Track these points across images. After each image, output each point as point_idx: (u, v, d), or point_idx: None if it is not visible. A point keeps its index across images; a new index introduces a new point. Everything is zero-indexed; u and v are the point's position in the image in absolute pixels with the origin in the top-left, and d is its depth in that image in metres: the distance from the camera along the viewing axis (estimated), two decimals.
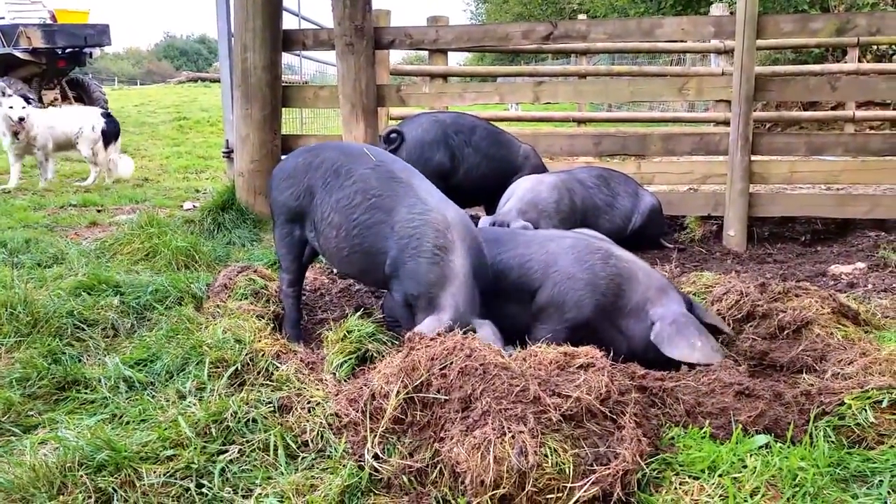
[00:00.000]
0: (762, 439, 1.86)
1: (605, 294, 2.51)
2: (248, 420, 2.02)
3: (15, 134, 6.57)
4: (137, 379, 2.35)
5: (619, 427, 1.79)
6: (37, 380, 2.36)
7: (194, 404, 2.08)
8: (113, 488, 1.73)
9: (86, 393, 2.31)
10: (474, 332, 2.24)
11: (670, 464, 1.80)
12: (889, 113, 8.70)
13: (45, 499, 1.70)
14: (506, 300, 2.63)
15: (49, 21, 12.13)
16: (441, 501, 1.73)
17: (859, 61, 8.58)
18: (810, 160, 4.74)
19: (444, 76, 7.38)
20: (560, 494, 1.63)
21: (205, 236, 4.35)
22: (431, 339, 2.04)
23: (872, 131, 8.47)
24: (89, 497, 1.70)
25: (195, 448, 1.88)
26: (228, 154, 5.24)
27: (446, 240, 2.41)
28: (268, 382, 2.24)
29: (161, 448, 1.87)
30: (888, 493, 1.68)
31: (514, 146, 4.31)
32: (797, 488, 1.68)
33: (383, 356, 2.36)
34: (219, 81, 5.67)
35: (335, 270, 3.74)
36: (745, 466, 1.74)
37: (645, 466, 1.74)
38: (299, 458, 1.92)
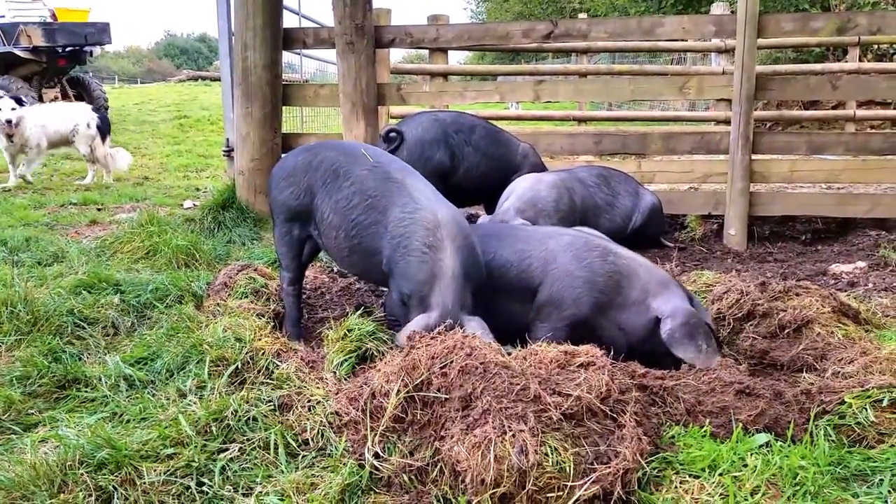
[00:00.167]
0: (762, 438, 1.86)
1: (603, 291, 2.52)
2: (249, 418, 2.02)
3: (8, 136, 6.46)
4: (138, 377, 2.35)
5: (619, 426, 1.79)
6: (37, 378, 2.36)
7: (195, 403, 2.08)
8: (113, 486, 1.73)
9: (86, 391, 2.31)
10: (462, 328, 2.25)
11: (671, 462, 1.80)
12: (890, 112, 8.70)
13: (45, 497, 1.70)
14: (506, 298, 2.63)
15: (49, 19, 12.13)
16: (441, 500, 1.73)
17: (860, 60, 8.57)
18: (811, 159, 4.73)
19: (445, 75, 7.38)
20: (560, 493, 1.63)
21: (205, 235, 4.35)
22: (432, 338, 2.04)
23: (873, 130, 8.47)
24: (90, 495, 1.70)
25: (196, 446, 1.88)
26: (229, 153, 5.24)
27: (435, 238, 2.40)
28: (268, 381, 2.24)
29: (161, 446, 1.87)
30: (888, 491, 1.68)
31: (513, 145, 4.31)
32: (797, 487, 1.68)
33: (384, 355, 2.36)
34: (219, 80, 5.67)
35: (336, 269, 3.74)
36: (745, 465, 1.74)
37: (645, 465, 1.74)
38: (300, 457, 1.93)
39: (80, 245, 4.13)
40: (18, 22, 11.64)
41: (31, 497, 1.71)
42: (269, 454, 1.92)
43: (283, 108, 5.12)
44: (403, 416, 1.89)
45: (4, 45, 11.31)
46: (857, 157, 4.67)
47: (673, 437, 1.91)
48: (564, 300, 2.54)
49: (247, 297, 3.02)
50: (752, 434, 1.90)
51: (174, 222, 4.32)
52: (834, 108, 9.03)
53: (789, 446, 1.83)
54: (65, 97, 12.25)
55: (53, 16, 12.22)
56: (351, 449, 1.91)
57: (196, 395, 2.17)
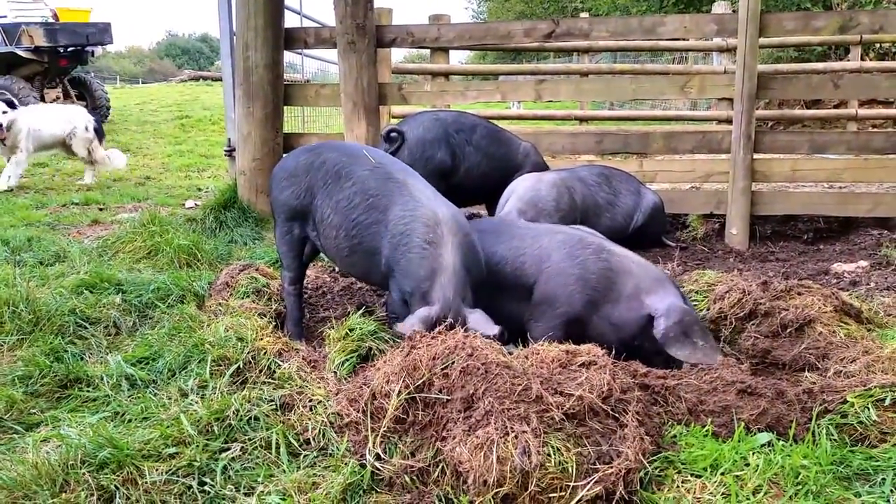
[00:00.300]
0: (764, 437, 1.86)
1: (595, 288, 2.52)
2: (250, 418, 2.02)
3: (1, 140, 6.38)
4: (139, 377, 2.35)
5: (621, 425, 1.79)
6: (39, 378, 2.37)
7: (196, 402, 2.09)
8: (115, 486, 1.73)
9: (88, 391, 2.32)
10: (465, 320, 2.25)
11: (673, 462, 1.80)
12: (892, 111, 8.68)
13: (47, 496, 1.70)
14: (502, 294, 2.63)
15: (51, 19, 12.13)
16: (443, 500, 1.73)
17: (862, 59, 8.56)
18: (813, 158, 4.73)
19: (446, 74, 7.37)
20: (563, 493, 1.63)
21: (207, 235, 4.36)
22: (433, 338, 2.04)
23: (875, 129, 8.45)
24: (91, 495, 1.71)
25: (197, 446, 1.88)
26: (230, 152, 5.24)
27: (435, 234, 2.41)
28: (270, 380, 2.24)
29: (163, 446, 1.87)
30: (891, 490, 1.68)
31: (514, 144, 4.30)
32: (799, 486, 1.67)
33: (385, 354, 2.36)
34: (220, 80, 5.67)
35: (337, 269, 3.74)
36: (747, 464, 1.74)
37: (647, 465, 1.74)
38: (301, 457, 1.93)
39: (81, 245, 4.14)
40: (20, 22, 11.64)
41: (33, 496, 1.71)
42: (270, 454, 1.92)
43: (285, 107, 5.12)
44: (405, 416, 1.89)
45: (6, 45, 11.31)
46: (859, 157, 4.66)
47: (675, 436, 1.91)
48: (558, 298, 2.54)
49: (248, 296, 3.02)
50: (754, 433, 1.89)
51: (176, 222, 4.32)
52: (836, 107, 9.02)
53: (791, 445, 1.83)
54: (66, 97, 12.25)
55: (55, 16, 12.22)
56: (352, 449, 1.91)
57: (198, 394, 2.17)
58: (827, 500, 1.65)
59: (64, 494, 1.71)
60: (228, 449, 1.91)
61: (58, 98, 12.11)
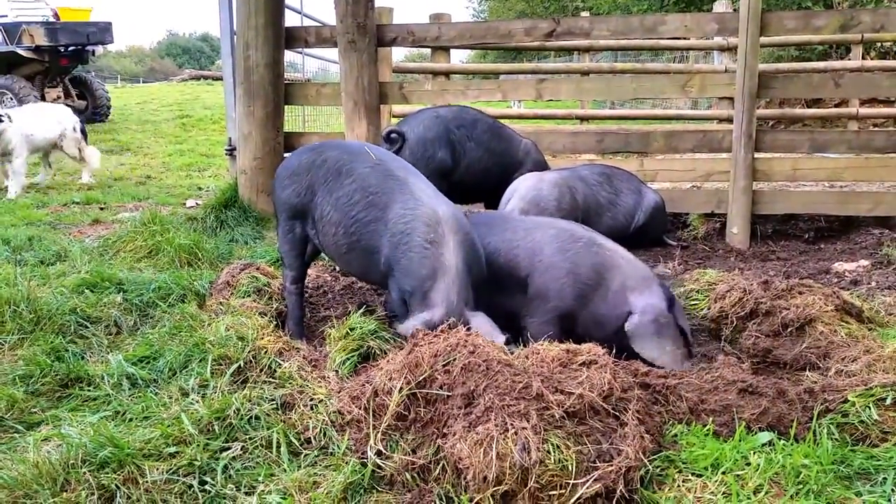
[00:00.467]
0: (765, 437, 1.86)
1: (586, 282, 2.52)
2: (251, 417, 2.02)
3: None
4: (140, 376, 2.35)
5: (621, 424, 1.79)
6: (40, 377, 2.37)
7: (197, 401, 2.09)
8: (116, 485, 1.73)
9: (89, 390, 2.32)
10: (468, 324, 2.25)
11: (673, 461, 1.80)
12: (892, 110, 8.67)
13: (48, 496, 1.70)
14: (494, 286, 2.64)
15: (52, 19, 12.14)
16: (444, 498, 1.73)
17: (863, 58, 8.55)
18: (814, 157, 4.72)
19: (447, 73, 7.37)
20: (563, 491, 1.63)
21: (207, 234, 4.36)
22: (434, 336, 2.04)
23: (876, 128, 8.44)
24: (92, 494, 1.71)
25: (198, 445, 1.88)
26: (231, 152, 5.24)
27: (436, 234, 2.41)
28: (270, 380, 2.24)
29: (164, 445, 1.87)
30: (892, 490, 1.68)
31: (515, 141, 4.30)
32: (800, 486, 1.67)
33: (386, 353, 2.37)
34: (221, 79, 5.67)
35: (337, 268, 3.74)
36: (748, 464, 1.74)
37: (648, 463, 1.74)
38: (302, 455, 1.93)
39: (82, 244, 4.14)
40: (21, 21, 11.65)
41: (33, 496, 1.71)
42: (271, 453, 1.92)
43: (286, 107, 5.12)
44: (406, 413, 1.89)
45: (7, 44, 11.32)
46: (860, 156, 4.65)
47: (676, 435, 1.91)
48: (549, 291, 2.55)
49: (249, 295, 3.02)
50: (755, 432, 1.89)
51: (176, 221, 4.33)
52: (837, 106, 9.01)
53: (792, 445, 1.82)
54: (67, 96, 12.27)
55: (56, 15, 12.23)
56: (353, 447, 1.91)
57: (198, 393, 2.17)
58: (828, 499, 1.65)
59: (65, 494, 1.71)
60: (229, 448, 1.91)
61: (58, 98, 12.12)
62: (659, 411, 1.99)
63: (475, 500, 1.66)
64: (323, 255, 3.02)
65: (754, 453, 1.77)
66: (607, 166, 4.40)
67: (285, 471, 1.85)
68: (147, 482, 1.75)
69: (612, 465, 1.67)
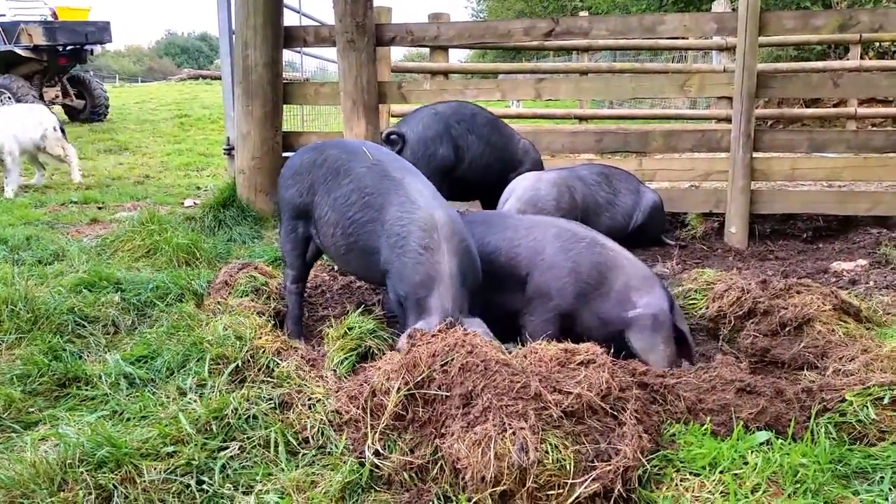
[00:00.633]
0: (763, 436, 1.86)
1: (587, 282, 2.53)
2: (249, 417, 2.02)
3: None
4: (138, 376, 2.35)
5: (619, 423, 1.79)
6: (37, 376, 2.36)
7: (195, 401, 2.08)
8: (113, 485, 1.73)
9: (86, 389, 2.31)
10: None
11: (671, 460, 1.80)
12: (891, 110, 8.68)
13: (45, 495, 1.70)
14: (493, 285, 2.64)
15: (50, 18, 12.12)
16: (442, 498, 1.73)
17: (861, 58, 8.56)
18: (812, 157, 4.72)
19: (446, 73, 7.36)
20: (561, 491, 1.63)
21: (206, 233, 4.35)
22: (432, 336, 2.04)
23: (874, 128, 8.45)
24: (90, 493, 1.70)
25: (196, 445, 1.88)
26: (229, 151, 5.24)
27: (431, 240, 2.39)
28: (268, 379, 2.24)
29: (162, 445, 1.87)
30: (889, 489, 1.68)
31: (514, 138, 4.29)
32: (798, 485, 1.67)
33: (384, 353, 2.36)
34: (220, 79, 5.66)
35: (336, 267, 3.74)
36: (746, 463, 1.74)
37: (646, 463, 1.74)
38: (300, 455, 1.93)
39: (80, 243, 4.13)
40: (19, 20, 11.64)
41: (31, 495, 1.71)
42: (269, 452, 1.92)
43: (284, 106, 5.11)
44: (404, 413, 1.89)
45: (5, 43, 11.31)
46: (859, 155, 4.66)
47: (673, 434, 1.91)
48: (550, 290, 2.55)
49: (247, 295, 3.02)
50: (753, 432, 1.89)
51: (175, 221, 4.32)
52: (835, 105, 9.02)
53: (790, 444, 1.83)
54: (65, 96, 12.25)
55: (54, 14, 12.22)
56: (351, 447, 1.91)
57: (196, 393, 2.16)
58: (825, 498, 1.65)
59: (62, 493, 1.71)
60: (227, 448, 1.91)
61: (56, 97, 12.11)
62: (657, 411, 1.99)
63: (473, 499, 1.65)
64: (324, 255, 3.02)
65: (752, 452, 1.77)
66: (606, 166, 4.40)
67: (283, 470, 1.85)
68: (145, 482, 1.75)
69: (610, 465, 1.67)
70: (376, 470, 1.83)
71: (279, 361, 2.32)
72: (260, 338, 2.44)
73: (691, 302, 3.13)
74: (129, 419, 2.09)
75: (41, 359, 2.44)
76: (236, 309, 2.79)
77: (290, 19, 5.17)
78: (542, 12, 22.19)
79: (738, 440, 1.84)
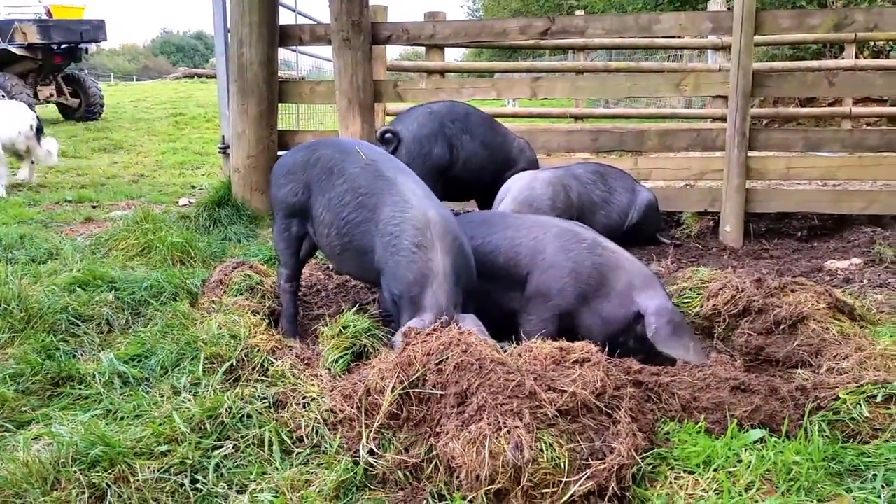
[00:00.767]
0: (757, 434, 1.86)
1: (588, 283, 2.54)
2: (243, 415, 2.01)
3: None
4: (132, 374, 2.34)
5: (614, 422, 1.79)
6: (30, 375, 2.35)
7: (189, 400, 2.08)
8: (107, 484, 1.73)
9: (80, 388, 2.31)
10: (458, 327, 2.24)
11: (665, 458, 1.80)
12: (886, 109, 8.71)
13: (38, 495, 1.69)
14: (492, 284, 2.64)
15: (45, 16, 12.08)
16: (436, 496, 1.73)
17: (856, 57, 8.58)
18: (807, 156, 4.73)
19: (442, 72, 7.36)
20: (555, 489, 1.63)
21: (200, 232, 4.34)
22: (427, 335, 2.04)
23: (869, 127, 8.48)
24: (83, 493, 1.70)
25: (190, 443, 1.87)
26: (224, 150, 5.22)
27: (424, 238, 2.38)
28: (263, 378, 2.23)
29: (155, 443, 1.86)
30: (882, 486, 1.69)
31: (509, 136, 4.29)
32: (792, 482, 1.68)
33: (379, 352, 2.36)
34: (215, 78, 5.65)
35: (331, 266, 3.74)
36: (739, 461, 1.74)
37: (640, 461, 1.74)
38: (294, 454, 1.92)
39: (74, 242, 4.12)
40: (13, 19, 11.60)
41: (23, 495, 1.70)
42: (263, 451, 1.91)
43: (280, 105, 5.10)
44: (398, 412, 1.89)
45: None
46: (854, 154, 4.67)
47: (668, 432, 1.91)
48: (551, 290, 2.55)
49: (242, 294, 3.01)
50: (747, 430, 1.90)
51: (169, 219, 4.31)
52: (830, 105, 9.04)
53: (784, 442, 1.83)
54: (60, 94, 12.21)
55: (49, 13, 12.18)
56: (346, 446, 1.90)
57: (190, 392, 2.16)
58: (819, 495, 1.66)
59: (55, 493, 1.70)
60: (221, 447, 1.91)
61: (51, 96, 12.06)
62: (651, 409, 2.00)
63: (468, 498, 1.65)
64: (316, 253, 3.02)
65: (746, 450, 1.77)
66: (601, 164, 4.41)
67: (277, 469, 1.85)
68: (138, 481, 1.74)
69: (604, 463, 1.67)
70: (371, 469, 1.82)
71: (274, 360, 2.32)
72: (254, 336, 2.44)
73: (686, 300, 3.13)
74: (122, 418, 2.08)
75: (34, 358, 2.43)
76: (231, 308, 2.79)
77: (285, 17, 5.16)
78: (538, 11, 22.20)
79: (732, 438, 1.84)
